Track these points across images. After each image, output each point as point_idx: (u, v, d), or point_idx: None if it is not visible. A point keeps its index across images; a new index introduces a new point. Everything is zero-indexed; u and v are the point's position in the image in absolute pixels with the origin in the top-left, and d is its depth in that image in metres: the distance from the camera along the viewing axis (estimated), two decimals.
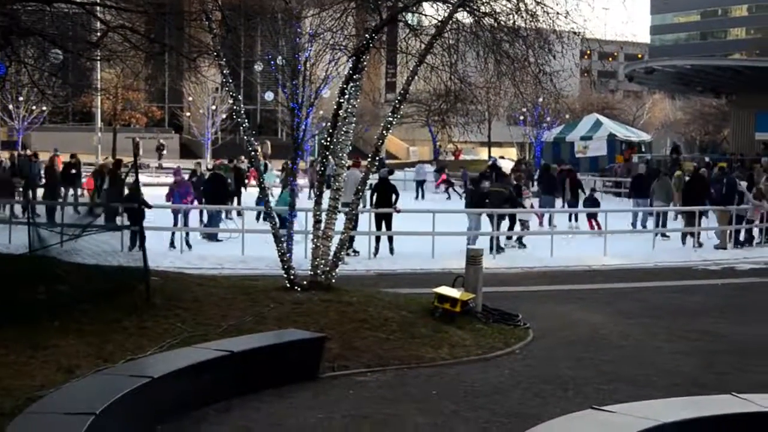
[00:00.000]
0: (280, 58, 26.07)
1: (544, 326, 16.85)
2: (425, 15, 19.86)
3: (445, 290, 16.44)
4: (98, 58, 23.11)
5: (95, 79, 38.99)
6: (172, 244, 25.99)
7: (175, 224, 26.69)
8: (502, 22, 17.56)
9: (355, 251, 26.04)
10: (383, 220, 26.72)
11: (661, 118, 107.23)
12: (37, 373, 11.61)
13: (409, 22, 19.82)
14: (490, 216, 27.36)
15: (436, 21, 18.30)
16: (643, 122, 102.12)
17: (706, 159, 51.29)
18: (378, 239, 26.72)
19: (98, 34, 21.73)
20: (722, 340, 16.53)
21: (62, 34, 20.79)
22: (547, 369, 13.96)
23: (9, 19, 19.14)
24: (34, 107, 72.11)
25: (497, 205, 27.38)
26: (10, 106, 72.45)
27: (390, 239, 26.77)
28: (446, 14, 17.72)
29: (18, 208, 31.72)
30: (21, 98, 69.64)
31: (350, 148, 18.74)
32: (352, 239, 25.87)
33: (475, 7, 17.58)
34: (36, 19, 20.87)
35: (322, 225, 17.87)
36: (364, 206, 25.90)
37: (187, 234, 26.59)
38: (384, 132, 18.62)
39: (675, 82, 69.11)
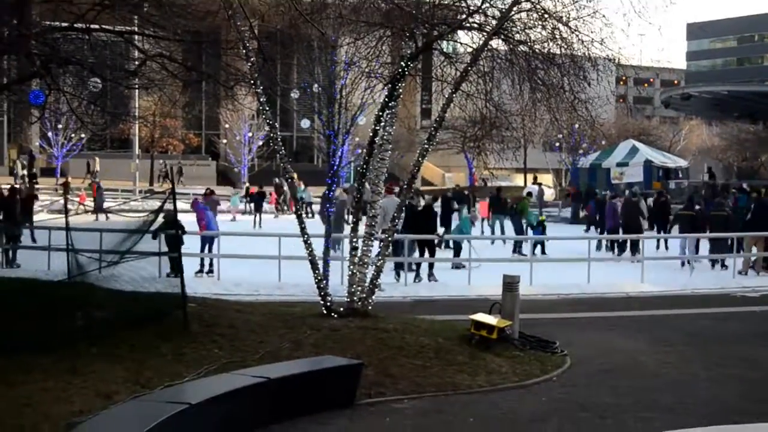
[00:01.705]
0: (316, 85, 26.24)
1: (581, 353, 16.77)
2: (460, 43, 19.96)
3: (481, 317, 16.42)
4: (136, 86, 23.33)
5: (133, 106, 39.29)
6: (200, 270, 26.17)
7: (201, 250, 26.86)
8: (536, 50, 17.58)
9: (398, 275, 26.15)
10: (426, 246, 26.80)
11: (697, 144, 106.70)
12: (75, 398, 11.67)
13: (444, 49, 19.89)
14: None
15: (471, 48, 18.35)
16: (680, 148, 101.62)
17: (744, 185, 50.91)
18: (419, 266, 26.77)
19: (136, 62, 21.96)
20: (760, 368, 16.36)
21: (101, 63, 20.99)
22: (585, 396, 13.88)
23: (49, 49, 19.37)
24: (72, 135, 72.74)
25: None
26: (50, 134, 73.16)
27: (431, 266, 26.81)
28: (481, 42, 17.78)
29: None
30: (60, 126, 70.31)
31: (386, 174, 18.79)
32: (400, 265, 26.02)
33: (509, 35, 17.62)
34: (75, 48, 21.07)
35: (359, 251, 17.90)
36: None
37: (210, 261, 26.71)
38: (420, 159, 18.65)
39: (711, 108, 68.83)
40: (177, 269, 16.65)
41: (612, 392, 14.16)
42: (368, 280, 17.78)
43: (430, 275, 26.40)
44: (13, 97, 27.90)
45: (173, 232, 18.34)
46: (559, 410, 13.10)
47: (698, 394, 14.24)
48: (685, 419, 12.32)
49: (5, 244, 28.11)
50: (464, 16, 18.13)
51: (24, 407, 11.13)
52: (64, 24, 19.87)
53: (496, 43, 18.11)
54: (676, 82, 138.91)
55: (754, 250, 30.22)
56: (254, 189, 51.07)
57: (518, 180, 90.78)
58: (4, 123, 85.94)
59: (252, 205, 49.36)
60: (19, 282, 19.32)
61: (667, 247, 34.76)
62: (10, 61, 22.70)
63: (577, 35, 17.36)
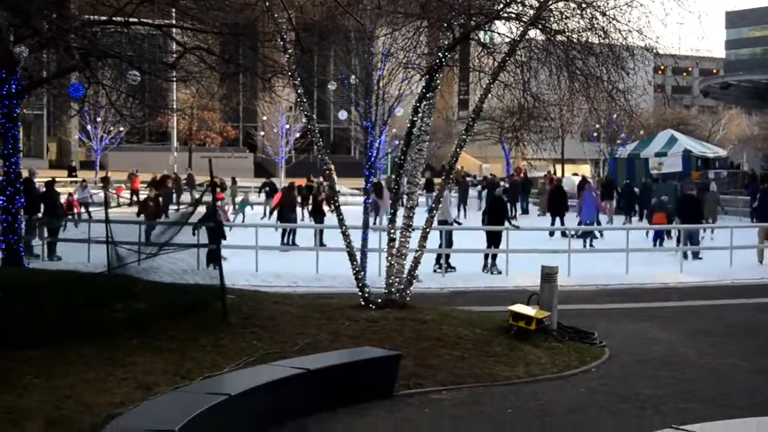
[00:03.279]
0: (353, 77, 26.27)
1: (620, 344, 16.70)
2: (498, 33, 19.89)
3: (520, 308, 16.39)
4: (174, 78, 23.46)
5: (171, 99, 39.51)
6: None
7: None
8: (574, 40, 17.51)
9: (451, 267, 26.16)
10: (494, 238, 26.92)
11: (737, 134, 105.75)
12: (116, 389, 11.76)
13: (482, 40, 19.85)
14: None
15: (509, 39, 18.30)
16: (719, 138, 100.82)
17: None
18: (486, 257, 26.85)
19: (175, 55, 22.08)
20: None
21: (140, 56, 21.14)
22: (624, 387, 13.83)
23: (88, 42, 19.52)
24: (111, 128, 73.17)
25: None
26: (89, 127, 73.65)
27: (494, 257, 26.90)
28: (519, 32, 17.72)
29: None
30: (99, 119, 70.74)
31: (424, 166, 18.77)
32: (448, 256, 26.06)
33: (547, 25, 17.55)
34: (114, 41, 21.23)
35: (397, 243, 17.90)
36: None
37: None
38: (458, 149, 18.62)
39: (751, 96, 68.21)
40: (216, 261, 16.71)
41: (651, 383, 14.09)
42: (406, 271, 17.79)
43: (448, 265, 26.35)
44: (53, 91, 28.14)
45: (212, 224, 18.40)
46: (598, 401, 13.07)
47: (739, 385, 14.15)
48: (726, 410, 12.25)
49: (46, 237, 28.34)
50: (501, 6, 18.06)
51: (65, 398, 11.23)
52: (103, 18, 20.02)
53: (534, 33, 18.05)
54: (715, 71, 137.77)
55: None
56: (301, 182, 51.12)
57: (557, 170, 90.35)
58: (43, 116, 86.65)
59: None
60: (60, 274, 19.46)
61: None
62: (49, 54, 22.90)
63: (614, 25, 17.28)
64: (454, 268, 26.30)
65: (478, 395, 13.20)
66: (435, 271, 25.96)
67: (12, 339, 13.00)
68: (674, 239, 32.54)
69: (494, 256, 27.13)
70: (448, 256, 26.39)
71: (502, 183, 47.97)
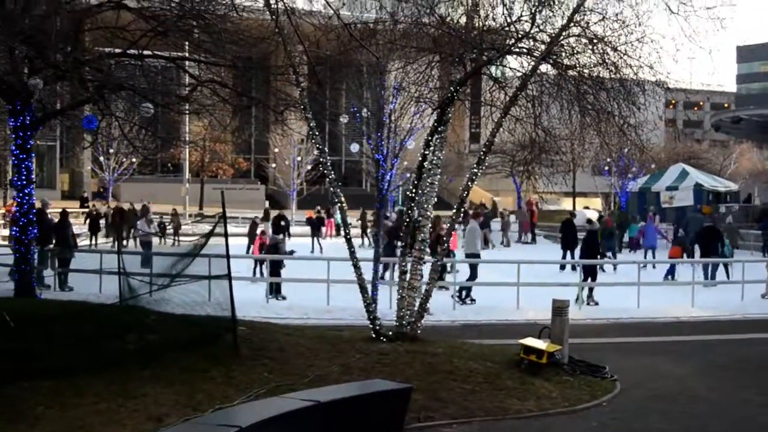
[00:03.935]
0: (365, 110, 26.41)
1: (631, 378, 16.67)
2: (509, 67, 20.00)
3: (531, 341, 16.38)
4: (187, 111, 23.57)
5: (184, 131, 39.73)
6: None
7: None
8: (585, 74, 17.59)
9: (472, 299, 26.28)
10: (590, 271, 28.12)
11: (748, 168, 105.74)
12: (127, 421, 11.79)
13: (493, 74, 19.93)
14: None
15: (520, 73, 18.38)
16: (730, 172, 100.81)
17: None
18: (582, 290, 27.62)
19: (188, 88, 22.19)
20: None
21: (153, 89, 21.24)
22: (636, 422, 13.81)
23: (102, 75, 19.65)
24: (124, 159, 73.52)
25: None
26: (101, 158, 74.00)
27: (591, 290, 27.51)
28: (530, 67, 17.80)
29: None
30: (112, 150, 71.09)
31: (435, 199, 18.82)
32: (469, 289, 26.20)
33: (558, 60, 17.63)
34: (128, 74, 21.34)
35: (408, 276, 17.93)
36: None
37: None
38: (469, 183, 18.67)
39: (762, 131, 68.19)
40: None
41: (663, 418, 14.06)
42: (417, 305, 17.80)
43: (467, 297, 26.52)
44: (66, 122, 28.29)
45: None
46: None
47: (751, 420, 14.13)
48: None
49: (57, 268, 28.42)
50: (513, 42, 18.15)
51: (77, 429, 11.27)
52: (118, 50, 20.14)
53: (545, 68, 18.13)
54: (726, 105, 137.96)
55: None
56: (311, 213, 51.22)
57: (567, 204, 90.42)
58: (56, 148, 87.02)
59: (309, 229, 49.53)
60: (71, 305, 19.51)
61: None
62: (63, 86, 23.03)
63: (626, 60, 17.34)
64: (474, 300, 26.42)
65: (489, 429, 13.19)
66: (462, 301, 26.14)
67: (24, 369, 13.03)
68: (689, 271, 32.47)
69: (591, 289, 27.83)
70: (469, 289, 26.61)
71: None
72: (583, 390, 15.47)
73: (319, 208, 53.30)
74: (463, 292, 26.64)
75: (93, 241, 42.85)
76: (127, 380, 13.27)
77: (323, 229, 50.14)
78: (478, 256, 28.38)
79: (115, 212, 48.12)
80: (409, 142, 26.20)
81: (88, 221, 45.73)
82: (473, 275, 27.17)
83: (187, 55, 22.40)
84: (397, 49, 19.77)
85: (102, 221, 48.59)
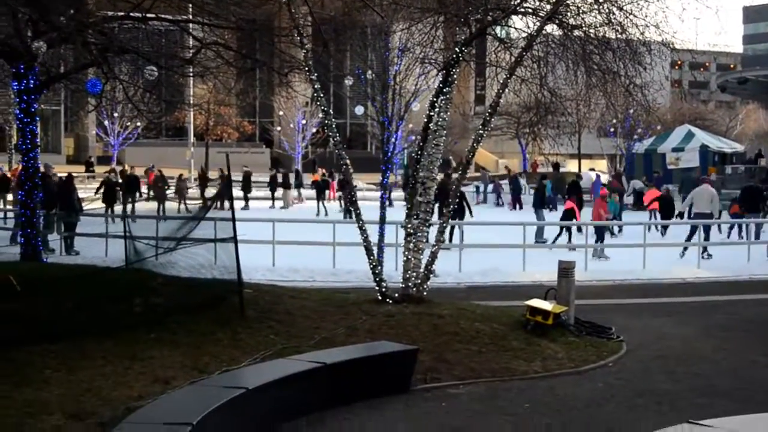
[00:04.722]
0: (370, 72, 26.29)
1: (637, 339, 16.68)
2: (514, 28, 19.89)
3: (537, 303, 16.38)
4: (191, 74, 23.50)
5: (188, 94, 39.60)
6: None
7: None
8: (591, 35, 17.49)
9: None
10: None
11: (754, 129, 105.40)
12: (134, 383, 11.81)
13: (499, 35, 19.84)
14: None
15: (526, 33, 18.27)
16: (736, 133, 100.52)
17: None
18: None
19: (192, 50, 22.13)
20: None
21: (157, 52, 21.19)
22: (641, 382, 13.82)
23: (106, 38, 19.58)
24: (128, 123, 73.45)
25: None
26: (106, 122, 73.94)
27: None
28: (535, 27, 17.70)
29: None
30: (116, 114, 71.00)
31: (440, 160, 18.77)
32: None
33: (564, 20, 17.52)
34: (131, 37, 21.28)
35: (414, 237, 17.91)
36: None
37: None
38: (474, 145, 18.62)
39: None
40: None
41: (669, 378, 14.08)
42: (423, 266, 17.80)
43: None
44: (70, 86, 28.26)
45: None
46: (615, 396, 13.06)
47: (757, 380, 14.13)
48: (745, 405, 12.23)
49: (63, 232, 28.45)
50: (518, 1, 18.05)
51: (84, 391, 11.28)
52: (121, 13, 20.07)
53: (551, 28, 18.01)
54: (732, 66, 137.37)
55: None
56: (317, 176, 51.13)
57: (572, 166, 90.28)
58: (61, 112, 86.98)
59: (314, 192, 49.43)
60: (78, 268, 19.55)
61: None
62: (67, 50, 22.97)
63: (632, 20, 17.24)
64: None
65: (495, 390, 13.21)
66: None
67: (31, 333, 13.07)
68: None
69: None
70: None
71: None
72: (589, 351, 15.47)
73: (323, 171, 53.27)
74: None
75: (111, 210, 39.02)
76: (133, 343, 13.30)
77: (327, 192, 50.07)
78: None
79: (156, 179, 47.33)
80: (414, 104, 26.08)
81: (102, 190, 38.91)
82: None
83: (190, 17, 22.31)
84: (401, 10, 19.68)
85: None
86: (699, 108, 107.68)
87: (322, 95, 18.26)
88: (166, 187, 45.66)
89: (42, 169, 24.55)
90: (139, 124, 72.60)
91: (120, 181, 45.47)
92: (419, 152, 18.16)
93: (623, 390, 13.39)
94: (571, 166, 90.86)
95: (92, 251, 25.51)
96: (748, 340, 17.30)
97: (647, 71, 18.13)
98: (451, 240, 27.67)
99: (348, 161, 18.77)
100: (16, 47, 19.46)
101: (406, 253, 17.92)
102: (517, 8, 18.03)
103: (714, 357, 15.76)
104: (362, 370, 12.54)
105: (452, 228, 28.52)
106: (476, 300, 19.67)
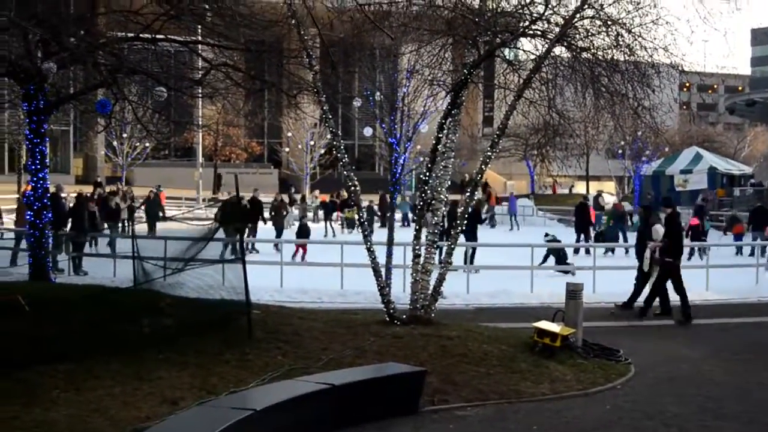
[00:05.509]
0: (378, 93, 26.35)
1: (645, 362, 16.64)
2: (523, 50, 19.92)
3: (545, 325, 16.36)
4: (200, 95, 23.59)
5: (197, 115, 39.72)
6: None
7: None
8: (600, 57, 17.53)
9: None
10: None
11: (762, 151, 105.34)
12: (142, 404, 11.82)
13: (507, 57, 19.87)
14: None
15: (534, 56, 18.31)
16: (744, 155, 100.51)
17: None
18: None
19: (201, 71, 22.21)
20: None
21: (166, 72, 21.27)
22: (650, 405, 13.79)
23: (115, 59, 19.67)
24: (137, 143, 73.61)
25: None
26: (115, 143, 74.11)
27: None
28: (544, 49, 17.74)
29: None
30: (125, 135, 71.17)
31: (449, 182, 18.80)
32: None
33: (573, 42, 17.57)
34: (141, 57, 21.38)
35: (422, 259, 17.92)
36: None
37: None
38: (482, 166, 18.64)
39: None
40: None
41: (677, 401, 14.04)
42: (431, 288, 17.80)
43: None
44: (80, 107, 28.36)
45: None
46: (623, 418, 13.02)
47: (764, 403, 14.08)
48: (752, 428, 12.22)
49: (71, 252, 28.49)
50: (527, 24, 18.11)
51: (92, 412, 11.29)
52: (131, 34, 20.16)
53: (559, 50, 18.07)
54: (740, 88, 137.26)
55: None
56: (325, 197, 51.25)
57: (580, 188, 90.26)
58: (70, 132, 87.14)
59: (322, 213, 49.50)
60: (86, 289, 19.58)
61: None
62: (77, 70, 23.07)
63: (640, 42, 17.28)
64: None
65: (503, 412, 13.18)
66: None
67: (39, 353, 13.09)
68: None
69: None
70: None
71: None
72: (597, 373, 15.43)
73: (337, 192, 53.41)
74: None
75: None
76: (141, 363, 13.31)
77: (335, 214, 50.16)
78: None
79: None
80: (422, 125, 26.14)
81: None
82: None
83: (200, 38, 22.40)
84: (410, 32, 19.73)
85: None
86: (707, 130, 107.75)
87: (330, 116, 18.29)
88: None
89: (52, 189, 24.60)
90: (147, 144, 72.77)
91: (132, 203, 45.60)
92: (428, 174, 18.19)
93: (631, 412, 13.35)
94: (579, 187, 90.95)
95: (101, 271, 25.54)
96: (757, 362, 17.24)
97: (656, 93, 18.14)
98: (472, 262, 27.64)
99: (356, 182, 18.78)
100: (26, 68, 19.55)
101: (414, 274, 17.93)
102: (526, 31, 18.08)
103: (722, 380, 15.71)
104: (370, 391, 12.53)
105: (473, 251, 28.57)
106: (484, 321, 19.65)
